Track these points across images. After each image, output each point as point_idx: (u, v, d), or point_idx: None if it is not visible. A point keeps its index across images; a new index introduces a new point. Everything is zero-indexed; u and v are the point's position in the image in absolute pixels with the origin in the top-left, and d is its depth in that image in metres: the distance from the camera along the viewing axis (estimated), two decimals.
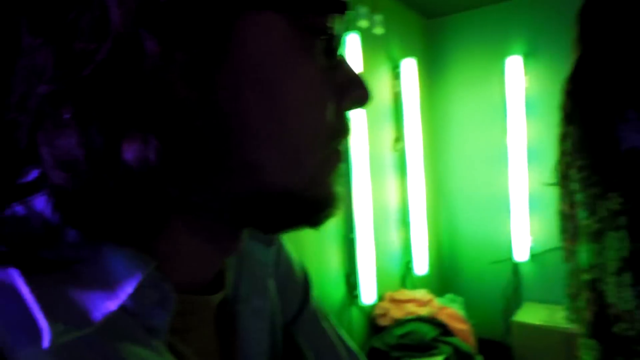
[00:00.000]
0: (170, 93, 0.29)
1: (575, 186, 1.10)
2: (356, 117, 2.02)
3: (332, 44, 0.35)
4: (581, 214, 1.09)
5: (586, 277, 1.09)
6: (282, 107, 0.32)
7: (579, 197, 1.09)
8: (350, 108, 0.38)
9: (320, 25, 0.33)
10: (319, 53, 0.34)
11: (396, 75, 2.51)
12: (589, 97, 1.02)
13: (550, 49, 2.60)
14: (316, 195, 0.36)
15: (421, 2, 2.67)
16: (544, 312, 2.57)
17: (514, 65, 2.64)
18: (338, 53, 0.36)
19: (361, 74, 0.38)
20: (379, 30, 2.35)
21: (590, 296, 1.07)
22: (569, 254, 1.22)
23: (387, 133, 2.47)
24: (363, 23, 2.22)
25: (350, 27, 2.08)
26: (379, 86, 2.42)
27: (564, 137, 1.13)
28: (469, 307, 2.70)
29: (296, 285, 0.54)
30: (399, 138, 2.52)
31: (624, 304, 1.00)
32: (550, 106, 2.61)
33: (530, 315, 2.56)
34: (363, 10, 2.22)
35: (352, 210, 2.04)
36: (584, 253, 1.09)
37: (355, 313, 2.12)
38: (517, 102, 2.65)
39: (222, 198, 0.34)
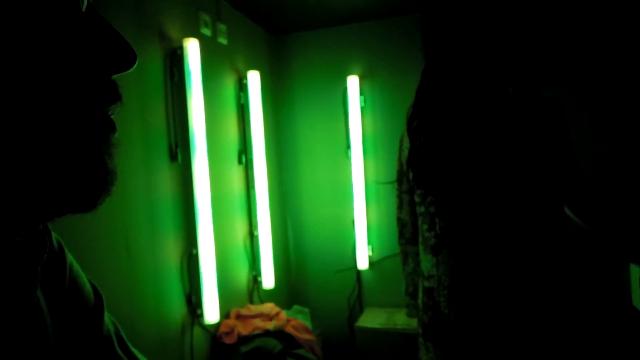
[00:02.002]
0: None
1: (417, 198, 1.15)
2: (199, 127, 1.93)
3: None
4: (423, 225, 1.14)
5: (426, 284, 1.15)
6: (18, 67, 0.28)
7: (421, 209, 1.14)
8: (115, 70, 0.35)
9: None
10: (62, 10, 0.30)
11: (242, 88, 2.49)
12: (430, 112, 1.05)
13: (383, 70, 2.85)
14: (82, 169, 0.32)
15: (266, 17, 2.71)
16: (383, 315, 2.74)
17: (353, 84, 2.82)
18: (85, 3, 0.33)
19: (120, 35, 0.34)
20: (222, 40, 2.31)
21: (428, 302, 1.13)
22: (405, 256, 1.29)
23: (233, 146, 2.42)
24: (206, 31, 2.16)
25: (191, 33, 2.01)
26: (224, 97, 2.37)
27: (403, 151, 1.18)
28: (316, 316, 2.76)
29: (83, 308, 0.47)
30: (244, 151, 2.49)
31: (454, 315, 1.07)
32: (384, 123, 2.86)
33: (371, 319, 2.71)
34: (206, 18, 2.16)
35: (196, 226, 1.94)
36: (425, 261, 1.14)
37: (198, 333, 2.01)
38: (356, 120, 2.83)
39: None
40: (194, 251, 1.95)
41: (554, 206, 1.04)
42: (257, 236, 2.53)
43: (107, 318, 0.49)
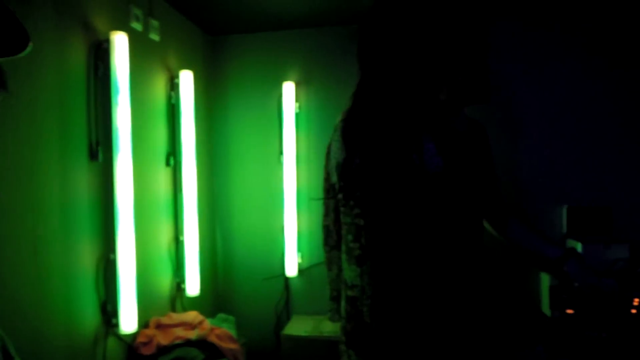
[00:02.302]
0: None
1: (343, 208, 1.14)
2: (124, 125, 1.83)
3: None
4: (348, 235, 1.14)
5: (349, 293, 1.14)
6: None
7: (346, 219, 1.13)
8: (2, 54, 0.32)
9: None
10: None
11: (173, 87, 2.40)
12: (364, 125, 1.06)
13: (319, 77, 2.86)
14: None
15: (203, 17, 2.64)
16: (311, 323, 2.74)
17: (289, 90, 2.81)
18: None
19: (12, 11, 0.31)
20: (154, 36, 2.22)
21: (351, 311, 1.13)
22: (329, 262, 1.28)
23: (161, 147, 2.32)
24: (136, 25, 2.06)
25: (120, 26, 1.90)
26: (153, 96, 2.27)
27: (330, 160, 1.16)
28: (242, 325, 2.70)
29: None
30: (173, 153, 2.39)
31: (376, 322, 1.07)
32: (318, 130, 2.88)
33: (298, 327, 2.70)
34: (137, 11, 2.06)
35: (115, 229, 1.83)
36: (349, 271, 1.14)
37: (112, 344, 1.89)
38: (290, 126, 2.82)
39: None
40: (112, 256, 1.84)
41: (476, 219, 1.08)
42: (182, 241, 2.44)
43: None
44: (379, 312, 1.06)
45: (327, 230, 1.27)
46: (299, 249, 2.88)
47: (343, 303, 1.18)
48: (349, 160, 1.08)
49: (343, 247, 1.16)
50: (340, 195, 1.13)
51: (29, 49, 0.32)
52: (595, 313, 1.28)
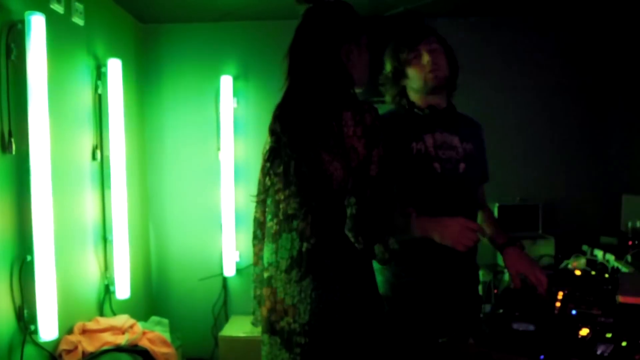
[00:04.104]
0: None
1: (270, 192, 1.17)
2: (41, 114, 1.68)
3: None
4: (268, 217, 1.17)
5: (265, 274, 1.15)
6: None
7: (269, 201, 1.18)
8: None
9: None
10: None
11: (100, 76, 2.24)
12: (293, 119, 1.12)
13: (258, 72, 2.80)
14: None
15: (134, 3, 2.49)
16: (249, 323, 2.66)
17: (226, 84, 2.72)
18: None
19: None
20: (78, 20, 2.06)
21: (267, 292, 1.13)
22: (257, 258, 1.26)
23: (86, 139, 2.17)
24: (57, 7, 1.90)
25: (37, 6, 1.74)
26: (77, 85, 2.11)
27: (266, 152, 1.20)
28: (178, 327, 2.58)
29: None
30: (99, 146, 2.24)
31: (290, 298, 1.07)
32: (256, 125, 2.81)
33: (237, 328, 2.62)
34: None
35: (30, 227, 1.68)
36: (267, 252, 1.15)
37: (31, 352, 1.73)
38: (228, 121, 2.73)
39: None
40: (29, 256, 1.68)
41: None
42: (111, 241, 2.29)
43: None
44: (291, 284, 1.08)
45: (257, 223, 1.27)
46: (237, 247, 2.80)
47: (259, 292, 1.21)
48: (276, 143, 1.15)
49: (266, 234, 1.18)
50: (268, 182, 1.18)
51: None
52: (523, 307, 1.34)
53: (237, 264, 2.80)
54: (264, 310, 1.14)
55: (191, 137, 2.84)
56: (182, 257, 2.86)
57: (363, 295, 1.10)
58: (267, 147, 1.20)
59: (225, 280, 2.84)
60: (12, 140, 1.63)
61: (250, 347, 2.48)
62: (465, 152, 1.40)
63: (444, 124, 1.40)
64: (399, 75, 1.42)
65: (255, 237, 1.28)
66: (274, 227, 1.13)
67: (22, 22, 1.66)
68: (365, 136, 1.05)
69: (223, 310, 2.85)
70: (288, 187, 1.10)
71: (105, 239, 2.29)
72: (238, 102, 2.81)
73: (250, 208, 2.72)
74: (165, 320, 2.44)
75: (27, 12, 1.67)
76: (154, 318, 2.45)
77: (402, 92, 1.44)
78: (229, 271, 2.77)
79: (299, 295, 1.06)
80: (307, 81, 1.13)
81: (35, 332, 1.70)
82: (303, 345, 1.05)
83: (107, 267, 2.28)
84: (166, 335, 2.26)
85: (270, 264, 1.13)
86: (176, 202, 2.86)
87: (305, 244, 1.06)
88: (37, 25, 1.67)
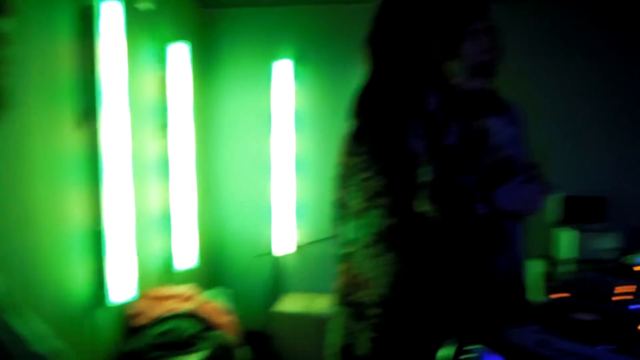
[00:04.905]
0: None
1: (353, 171, 1.19)
2: (112, 93, 1.80)
3: None
4: (351, 196, 1.19)
5: (345, 250, 1.19)
6: None
7: (352, 181, 1.19)
8: None
9: None
10: None
11: (166, 58, 2.35)
12: (377, 101, 1.15)
13: (316, 55, 2.82)
14: None
15: None
16: (303, 301, 2.74)
17: (285, 67, 2.77)
18: None
19: None
20: (147, 5, 2.17)
21: (344, 267, 1.18)
22: (338, 237, 1.29)
23: (153, 118, 2.29)
24: None
25: None
26: (145, 67, 2.23)
27: (350, 133, 1.21)
28: (236, 299, 2.71)
29: None
30: (165, 125, 2.36)
31: (370, 272, 1.11)
32: (314, 108, 2.84)
33: (290, 304, 2.71)
34: None
35: (100, 200, 1.81)
36: (348, 230, 1.19)
37: (104, 314, 1.89)
38: (286, 105, 2.78)
39: None
40: (101, 227, 1.82)
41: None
42: (173, 215, 2.42)
43: None
44: (370, 260, 1.10)
45: (338, 204, 1.29)
46: (297, 226, 2.87)
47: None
48: (361, 123, 1.17)
49: (348, 211, 1.21)
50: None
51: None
52: (586, 298, 1.30)
53: (297, 242, 2.88)
54: (339, 284, 1.19)
55: (250, 119, 2.92)
56: (241, 233, 2.97)
57: (441, 271, 1.11)
58: (352, 128, 1.22)
59: (276, 259, 2.93)
60: (88, 115, 1.75)
61: (302, 322, 2.56)
62: (512, 136, 1.35)
63: (491, 107, 1.36)
64: (451, 52, 1.38)
65: (335, 217, 1.30)
66: (359, 204, 1.16)
67: (97, 6, 1.77)
68: (443, 110, 1.07)
69: (276, 287, 2.95)
70: (373, 166, 1.13)
71: (170, 213, 2.42)
72: (296, 85, 2.84)
73: (309, 188, 2.83)
74: (227, 291, 2.57)
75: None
76: (216, 289, 2.58)
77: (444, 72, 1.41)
78: (282, 250, 2.86)
79: (379, 268, 1.09)
80: (393, 64, 1.15)
81: (107, 295, 1.85)
82: (378, 316, 1.09)
83: (172, 239, 2.43)
84: (227, 305, 2.38)
85: (351, 241, 1.16)
86: (233, 183, 2.97)
87: (390, 220, 1.09)
88: (111, 10, 1.78)
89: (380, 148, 1.11)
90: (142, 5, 2.14)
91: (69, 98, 1.70)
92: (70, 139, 1.72)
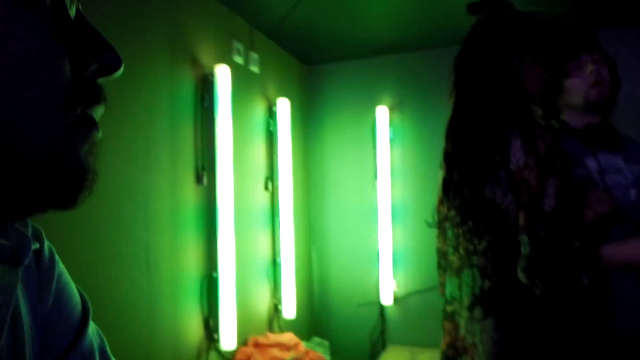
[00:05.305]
0: None
1: (448, 224, 1.15)
2: (226, 150, 1.96)
3: (61, 3, 0.33)
4: (450, 250, 1.14)
5: (448, 309, 1.13)
6: None
7: (449, 234, 1.14)
8: (101, 73, 0.36)
9: None
10: (44, 11, 0.32)
11: (271, 115, 2.53)
12: (465, 140, 1.08)
13: (414, 102, 2.84)
14: (62, 165, 0.33)
15: (299, 48, 2.76)
16: (406, 355, 2.64)
17: (382, 115, 2.82)
18: (74, 11, 0.35)
19: (105, 38, 0.35)
20: (254, 68, 2.37)
21: (448, 326, 1.12)
22: (443, 288, 1.26)
23: (259, 171, 2.44)
24: (238, 59, 2.21)
25: (223, 60, 2.06)
26: (253, 124, 2.40)
27: (443, 180, 1.18)
28: (336, 350, 2.68)
29: (67, 319, 0.45)
30: (271, 177, 2.50)
31: (471, 337, 1.04)
32: (413, 155, 2.84)
33: (393, 357, 2.61)
34: (239, 46, 2.22)
35: (216, 248, 1.94)
36: (449, 285, 1.14)
37: (213, 358, 1.97)
38: (384, 151, 2.81)
39: None
40: (214, 274, 1.94)
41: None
42: (279, 263, 2.51)
43: (92, 330, 0.48)
44: (474, 323, 1.02)
45: (439, 253, 1.25)
46: (395, 276, 2.82)
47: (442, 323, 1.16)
48: (449, 175, 1.11)
49: (447, 265, 1.15)
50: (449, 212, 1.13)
51: (121, 70, 0.36)
52: None
53: (395, 293, 2.81)
54: (443, 344, 1.13)
55: (349, 167, 2.98)
56: (342, 282, 2.97)
57: (549, 339, 1.01)
58: (441, 176, 1.16)
59: (382, 308, 2.87)
60: (204, 173, 1.92)
61: None
62: (634, 175, 1.22)
63: (605, 143, 1.22)
64: (553, 88, 1.30)
65: (439, 266, 1.25)
66: (456, 261, 1.11)
67: (212, 73, 1.97)
68: (538, 167, 0.95)
69: (380, 339, 2.87)
70: (465, 222, 1.07)
71: (275, 262, 2.51)
72: (394, 133, 2.87)
73: (406, 237, 2.78)
74: (326, 342, 2.56)
75: (216, 65, 1.98)
76: (316, 339, 2.59)
77: (553, 110, 1.31)
78: (387, 299, 2.79)
79: (480, 334, 1.02)
80: (475, 96, 1.08)
81: (218, 340, 1.94)
82: None
83: (276, 287, 2.50)
84: (327, 357, 2.37)
85: (453, 299, 1.11)
86: (336, 229, 3.01)
87: (486, 282, 1.02)
88: (223, 76, 1.97)
89: (468, 203, 1.04)
90: (252, 68, 2.34)
91: (188, 156, 1.89)
92: (189, 193, 1.88)
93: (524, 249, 0.96)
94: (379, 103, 2.89)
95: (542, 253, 0.94)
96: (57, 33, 0.32)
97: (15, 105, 0.30)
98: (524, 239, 0.96)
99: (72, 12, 0.34)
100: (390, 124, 2.86)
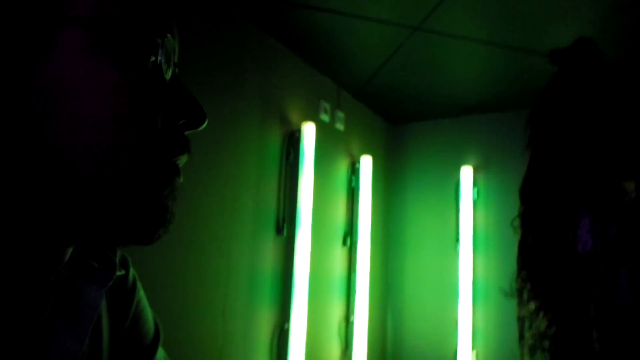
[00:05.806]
0: None
1: (522, 291, 1.07)
2: (307, 204, 2.02)
3: (159, 69, 0.38)
4: (526, 323, 1.06)
5: None
6: (87, 115, 0.34)
7: (523, 307, 1.05)
8: (187, 127, 0.41)
9: (140, 43, 0.37)
10: (146, 75, 0.37)
11: (354, 171, 2.58)
12: (540, 200, 1.01)
13: (499, 163, 2.75)
14: (145, 204, 0.38)
15: (385, 108, 2.83)
16: None
17: (466, 174, 2.76)
18: (170, 74, 0.40)
19: (194, 97, 0.40)
20: (339, 126, 2.46)
21: None
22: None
23: (339, 226, 2.47)
24: (324, 117, 2.32)
25: (310, 118, 2.17)
26: (335, 179, 2.46)
27: (519, 243, 1.09)
28: None
29: (140, 341, 0.50)
30: (350, 233, 2.51)
31: None
32: (497, 216, 2.71)
33: None
34: (326, 105, 2.33)
35: (291, 300, 1.96)
36: None
37: None
38: (467, 213, 2.72)
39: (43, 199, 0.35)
40: (286, 326, 1.95)
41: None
42: (352, 322, 2.46)
43: (161, 355, 0.52)
44: None
45: (521, 322, 1.17)
46: (474, 347, 2.64)
47: None
48: (524, 240, 1.02)
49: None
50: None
51: (205, 123, 0.41)
52: None
53: None
54: None
55: (430, 227, 2.91)
56: (416, 348, 2.83)
57: None
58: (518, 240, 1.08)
59: None
60: (284, 225, 1.99)
61: None
62: None
63: None
64: (621, 170, 1.18)
65: (521, 337, 1.19)
66: (529, 339, 1.02)
67: (299, 130, 2.08)
68: (605, 252, 0.86)
69: None
70: (535, 298, 0.98)
71: (347, 319, 2.48)
72: (478, 193, 2.78)
73: (487, 306, 2.61)
74: None
75: (303, 123, 2.09)
76: None
77: None
78: None
79: None
80: (548, 157, 1.00)
81: None
82: None
83: (347, 346, 2.45)
84: None
85: None
86: (413, 291, 2.91)
87: None
88: (309, 133, 2.07)
89: (538, 281, 0.96)
90: (337, 126, 2.44)
91: (271, 207, 1.97)
92: (269, 243, 1.95)
93: (596, 346, 0.87)
94: (463, 162, 2.83)
95: (614, 353, 0.85)
96: (153, 92, 0.38)
97: (118, 149, 0.36)
98: (595, 334, 0.87)
99: (168, 75, 0.40)
100: (475, 184, 2.78)
